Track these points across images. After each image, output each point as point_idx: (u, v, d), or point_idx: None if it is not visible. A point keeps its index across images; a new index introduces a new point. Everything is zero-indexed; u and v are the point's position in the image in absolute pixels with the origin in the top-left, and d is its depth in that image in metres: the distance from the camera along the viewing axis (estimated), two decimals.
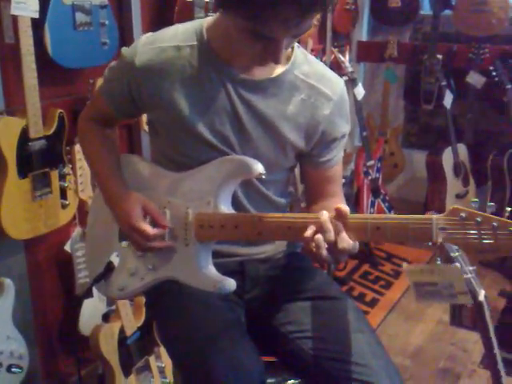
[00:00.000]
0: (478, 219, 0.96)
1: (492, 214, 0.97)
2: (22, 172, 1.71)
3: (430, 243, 1.01)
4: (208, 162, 1.24)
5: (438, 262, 1.29)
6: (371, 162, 3.18)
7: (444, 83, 3.27)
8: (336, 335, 1.23)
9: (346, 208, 1.06)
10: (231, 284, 1.18)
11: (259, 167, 1.18)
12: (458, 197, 3.34)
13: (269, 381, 1.32)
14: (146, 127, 2.07)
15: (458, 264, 1.27)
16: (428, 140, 3.84)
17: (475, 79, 3.23)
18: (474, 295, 1.37)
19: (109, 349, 1.87)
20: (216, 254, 1.25)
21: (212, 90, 1.21)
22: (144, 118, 2.02)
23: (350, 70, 3.03)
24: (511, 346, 2.41)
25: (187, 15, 2.11)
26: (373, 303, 2.89)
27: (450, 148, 3.26)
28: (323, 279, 1.40)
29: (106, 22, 1.88)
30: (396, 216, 1.03)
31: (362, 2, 3.63)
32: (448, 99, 3.24)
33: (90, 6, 1.82)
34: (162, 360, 2.05)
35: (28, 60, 1.62)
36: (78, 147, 1.86)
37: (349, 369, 1.16)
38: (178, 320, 1.24)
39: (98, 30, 1.87)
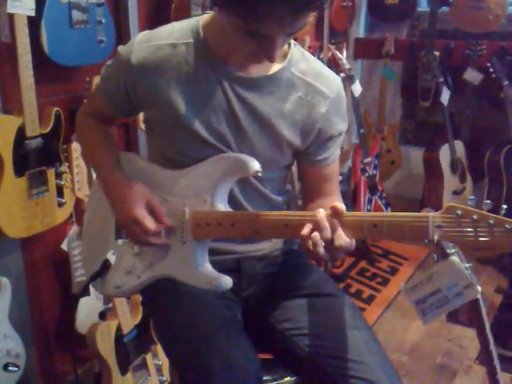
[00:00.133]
0: (474, 217, 0.96)
1: (488, 211, 0.97)
2: (19, 170, 1.70)
3: (426, 241, 1.01)
4: (204, 159, 1.24)
5: (435, 260, 1.29)
6: (368, 159, 3.18)
7: (441, 80, 3.27)
8: (332, 332, 1.23)
9: (342, 206, 1.06)
10: (227, 282, 1.18)
11: (256, 165, 1.18)
12: (455, 193, 3.34)
13: (265, 378, 1.32)
14: (142, 125, 2.06)
15: (453, 257, 1.27)
16: (425, 137, 3.84)
17: (472, 76, 3.23)
18: None
19: (105, 347, 1.87)
20: (212, 252, 1.25)
21: (208, 88, 1.21)
22: (141, 116, 2.02)
23: (347, 67, 3.03)
24: (507, 342, 2.42)
25: (184, 13, 2.11)
26: (370, 300, 2.89)
27: (447, 145, 3.27)
28: (320, 276, 1.40)
29: (103, 20, 1.87)
30: (392, 214, 1.04)
31: None
32: (445, 96, 3.24)
33: (87, 3, 1.81)
34: (159, 358, 2.05)
35: (24, 59, 1.62)
36: (74, 145, 1.85)
37: (345, 366, 1.17)
38: (175, 318, 1.24)
39: (95, 28, 1.86)
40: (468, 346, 2.49)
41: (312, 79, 1.26)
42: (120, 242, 1.33)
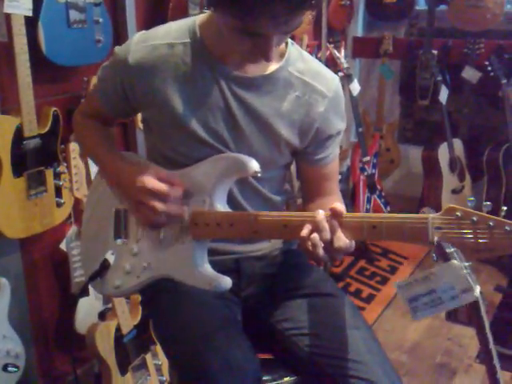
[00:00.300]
0: (474, 218, 0.96)
1: (488, 212, 0.96)
2: (17, 171, 1.70)
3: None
4: (202, 159, 1.24)
5: (434, 259, 1.29)
6: (367, 158, 3.18)
7: (439, 78, 3.27)
8: (332, 332, 1.23)
9: (341, 207, 1.06)
10: (227, 282, 1.18)
11: (254, 165, 1.18)
12: (454, 192, 3.34)
13: (265, 378, 1.32)
14: (140, 125, 2.06)
15: (454, 261, 1.27)
16: (424, 135, 3.84)
17: (470, 74, 3.23)
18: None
19: (105, 347, 1.87)
20: (212, 252, 1.25)
21: (205, 88, 1.21)
22: (139, 115, 2.01)
23: (345, 65, 3.02)
24: (507, 340, 2.42)
25: (182, 12, 2.11)
26: (369, 299, 2.90)
27: (445, 143, 3.27)
28: (319, 276, 1.40)
29: (100, 20, 1.87)
30: (392, 215, 1.03)
31: None
32: (443, 94, 3.24)
33: (84, 3, 1.81)
34: (158, 358, 2.04)
35: (22, 58, 1.62)
36: (72, 145, 1.85)
37: (345, 365, 1.17)
38: (174, 319, 1.24)
39: (92, 28, 1.86)
40: (468, 345, 2.49)
41: (310, 78, 1.25)
42: (119, 241, 1.33)
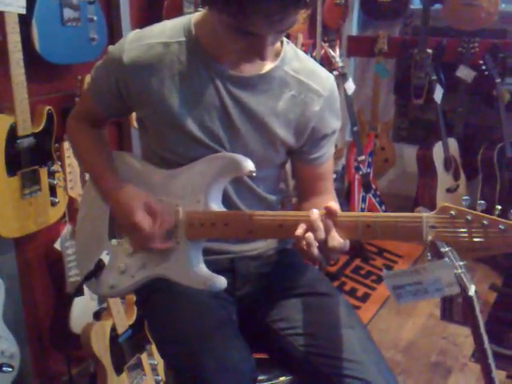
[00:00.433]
0: (468, 217, 0.96)
1: (482, 211, 0.96)
2: (11, 170, 1.69)
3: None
4: (197, 158, 1.24)
5: (429, 258, 1.29)
6: (362, 157, 3.19)
7: (434, 77, 3.27)
8: (327, 332, 1.23)
9: (335, 206, 1.06)
10: (222, 282, 1.18)
11: (249, 164, 1.18)
12: (449, 191, 3.35)
13: (260, 378, 1.32)
14: (135, 124, 2.05)
15: (446, 259, 1.27)
16: (418, 134, 3.85)
17: (465, 73, 3.24)
18: (465, 290, 1.38)
19: (100, 347, 1.87)
20: (206, 252, 1.25)
21: (201, 87, 1.21)
22: (134, 114, 2.00)
23: (340, 64, 3.02)
24: (502, 339, 2.43)
25: (176, 10, 2.10)
26: (364, 298, 2.90)
27: (440, 142, 3.27)
28: (314, 275, 1.40)
29: (95, 18, 1.86)
30: (386, 214, 1.03)
31: None
32: (438, 93, 3.24)
33: (78, 1, 1.80)
34: (154, 358, 2.04)
35: (15, 57, 1.61)
36: (66, 144, 1.84)
37: (340, 365, 1.17)
38: (169, 318, 1.23)
39: (87, 26, 1.85)
40: (463, 344, 2.50)
41: (305, 77, 1.25)
42: (114, 241, 1.32)
